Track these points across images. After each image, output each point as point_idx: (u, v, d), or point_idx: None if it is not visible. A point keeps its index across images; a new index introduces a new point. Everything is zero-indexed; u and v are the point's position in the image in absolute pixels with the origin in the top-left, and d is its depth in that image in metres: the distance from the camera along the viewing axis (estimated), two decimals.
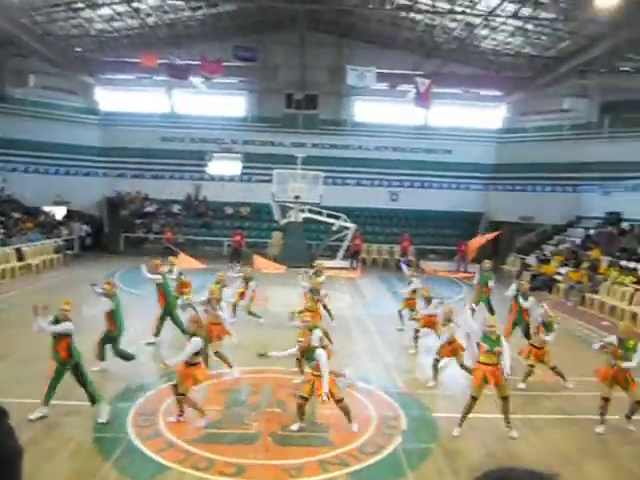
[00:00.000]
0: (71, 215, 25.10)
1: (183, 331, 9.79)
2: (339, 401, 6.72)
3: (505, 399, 6.79)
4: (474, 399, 6.76)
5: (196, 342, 6.78)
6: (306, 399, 6.67)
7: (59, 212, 25.04)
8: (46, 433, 6.35)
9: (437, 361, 8.64)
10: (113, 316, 8.73)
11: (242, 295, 12.02)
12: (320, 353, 6.57)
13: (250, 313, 12.07)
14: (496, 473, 1.05)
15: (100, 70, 25.24)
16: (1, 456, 0.97)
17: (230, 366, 8.68)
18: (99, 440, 6.36)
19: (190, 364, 6.80)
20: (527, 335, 10.08)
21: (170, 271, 11.95)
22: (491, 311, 11.80)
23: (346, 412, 6.76)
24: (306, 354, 6.84)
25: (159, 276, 10.69)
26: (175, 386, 6.84)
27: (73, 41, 23.35)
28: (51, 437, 6.27)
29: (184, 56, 23.44)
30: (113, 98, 27.32)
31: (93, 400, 6.84)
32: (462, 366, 8.41)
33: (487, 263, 12.56)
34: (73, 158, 25.72)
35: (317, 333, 7.13)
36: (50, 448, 5.97)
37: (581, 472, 5.97)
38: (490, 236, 22.06)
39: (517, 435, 6.77)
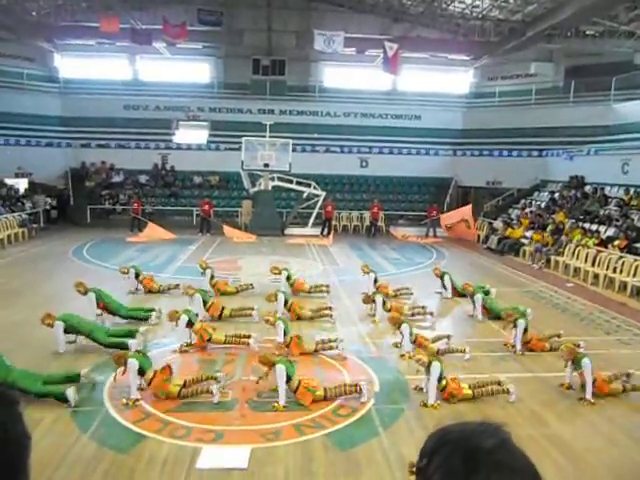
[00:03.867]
0: (34, 188, 24.42)
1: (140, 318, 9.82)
2: (325, 399, 6.78)
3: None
4: None
5: (132, 364, 6.71)
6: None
7: (21, 185, 24.35)
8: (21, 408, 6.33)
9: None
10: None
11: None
12: (278, 368, 6.64)
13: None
14: (442, 431, 1.11)
15: (58, 36, 24.27)
16: (13, 439, 1.02)
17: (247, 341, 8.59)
18: (76, 413, 6.38)
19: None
20: None
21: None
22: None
23: (348, 393, 6.85)
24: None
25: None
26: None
27: (28, 5, 22.33)
28: (25, 412, 6.26)
29: (146, 20, 22.73)
30: (73, 65, 26.41)
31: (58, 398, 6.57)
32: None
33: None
34: (34, 128, 24.81)
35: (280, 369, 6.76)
36: (26, 423, 5.96)
37: (547, 427, 6.27)
38: (464, 211, 22.45)
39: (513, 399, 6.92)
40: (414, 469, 1.07)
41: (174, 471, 5.25)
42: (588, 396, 6.92)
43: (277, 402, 6.63)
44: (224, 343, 8.49)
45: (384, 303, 10.46)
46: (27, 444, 1.06)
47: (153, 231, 20.88)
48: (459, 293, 11.94)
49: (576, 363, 7.12)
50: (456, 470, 0.97)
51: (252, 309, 10.10)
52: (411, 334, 8.50)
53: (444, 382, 6.86)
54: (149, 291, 11.93)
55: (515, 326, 8.80)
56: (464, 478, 0.96)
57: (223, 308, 10.16)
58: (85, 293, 9.60)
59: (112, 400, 6.74)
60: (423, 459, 1.05)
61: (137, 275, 12.01)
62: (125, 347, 8.10)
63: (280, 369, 6.63)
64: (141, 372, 6.79)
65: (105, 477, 5.12)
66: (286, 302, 10.21)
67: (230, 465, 5.38)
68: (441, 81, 27.67)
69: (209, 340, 8.42)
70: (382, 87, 27.27)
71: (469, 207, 22.37)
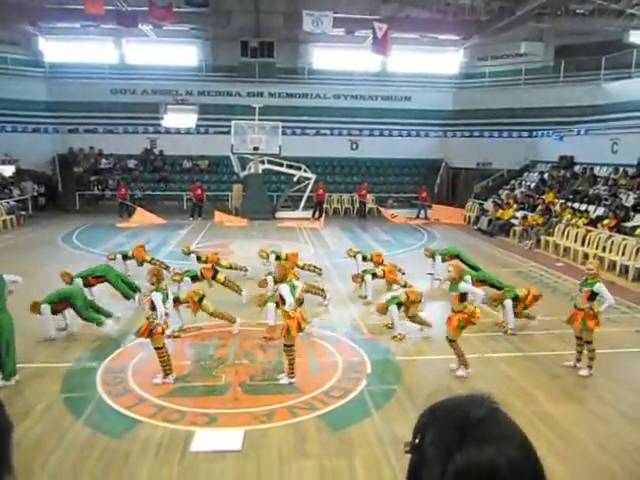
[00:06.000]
0: (21, 174, 24.14)
1: (126, 296, 9.85)
2: (288, 346, 6.82)
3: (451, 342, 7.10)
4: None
5: (155, 296, 6.74)
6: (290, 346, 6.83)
7: (7, 171, 24.04)
8: (13, 396, 6.33)
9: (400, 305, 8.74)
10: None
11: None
12: (281, 287, 6.87)
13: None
14: (432, 407, 1.14)
15: (42, 18, 23.78)
16: None
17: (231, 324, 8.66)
18: (69, 400, 6.38)
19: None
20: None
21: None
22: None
23: (290, 362, 6.87)
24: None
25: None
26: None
27: None
28: (18, 399, 6.27)
29: (132, 2, 22.29)
30: (58, 49, 25.94)
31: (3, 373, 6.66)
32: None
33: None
34: (19, 114, 24.48)
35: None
36: (18, 410, 5.96)
37: (538, 405, 6.35)
38: (458, 211, 22.72)
39: (461, 374, 7.05)
40: (408, 448, 1.08)
41: (168, 454, 5.28)
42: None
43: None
44: (211, 314, 8.57)
45: (374, 275, 10.60)
46: (9, 431, 1.05)
47: (143, 216, 20.78)
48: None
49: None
50: (447, 442, 0.99)
51: (241, 290, 10.16)
52: (401, 305, 8.55)
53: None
54: (142, 262, 11.89)
55: (503, 306, 8.87)
56: (455, 449, 0.97)
57: (217, 271, 10.30)
58: (71, 282, 9.51)
59: (105, 386, 6.75)
60: (417, 436, 1.06)
61: (125, 256, 11.99)
62: (99, 324, 8.41)
63: (284, 288, 6.78)
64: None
65: (100, 461, 5.14)
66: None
67: (224, 447, 5.42)
68: (431, 62, 27.50)
69: (201, 301, 8.48)
70: (372, 68, 27.06)
71: (462, 211, 22.79)
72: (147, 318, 6.75)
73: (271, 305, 8.50)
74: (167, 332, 7.08)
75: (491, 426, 1.01)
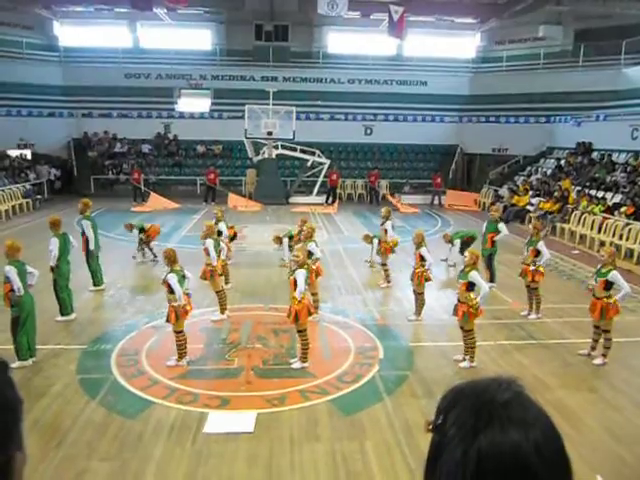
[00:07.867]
0: (37, 158, 24.31)
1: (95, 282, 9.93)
2: (301, 331, 6.87)
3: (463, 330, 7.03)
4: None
5: (171, 277, 6.78)
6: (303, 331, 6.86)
7: (27, 155, 24.25)
8: (30, 376, 6.44)
9: (420, 294, 8.74)
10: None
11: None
12: (298, 272, 6.82)
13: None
14: (456, 388, 1.12)
15: (56, 1, 23.78)
16: (9, 404, 1.03)
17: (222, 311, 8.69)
18: (84, 381, 6.48)
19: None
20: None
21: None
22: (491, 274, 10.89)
23: (303, 346, 6.91)
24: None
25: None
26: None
27: None
28: (35, 380, 6.37)
29: None
30: (73, 33, 25.93)
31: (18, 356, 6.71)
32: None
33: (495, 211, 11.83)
34: (35, 98, 24.55)
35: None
36: (36, 390, 6.07)
37: (551, 393, 6.32)
38: (471, 197, 22.55)
39: (464, 365, 6.98)
40: (431, 427, 1.07)
41: (181, 435, 5.35)
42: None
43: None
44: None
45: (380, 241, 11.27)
46: (20, 408, 1.07)
47: (157, 200, 20.88)
48: None
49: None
50: (470, 424, 0.97)
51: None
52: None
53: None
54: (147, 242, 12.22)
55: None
56: (478, 432, 0.95)
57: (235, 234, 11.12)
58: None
59: (119, 367, 6.83)
60: (440, 416, 1.05)
61: (142, 229, 12.27)
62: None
63: (301, 273, 6.81)
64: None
65: (114, 441, 5.22)
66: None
67: (236, 429, 5.48)
68: (447, 46, 27.05)
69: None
70: (387, 52, 26.73)
71: (475, 195, 22.83)
72: (169, 302, 6.79)
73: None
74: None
75: (517, 409, 0.99)
